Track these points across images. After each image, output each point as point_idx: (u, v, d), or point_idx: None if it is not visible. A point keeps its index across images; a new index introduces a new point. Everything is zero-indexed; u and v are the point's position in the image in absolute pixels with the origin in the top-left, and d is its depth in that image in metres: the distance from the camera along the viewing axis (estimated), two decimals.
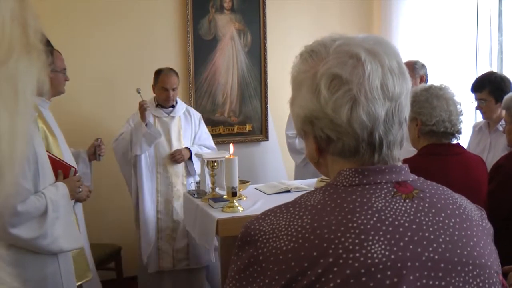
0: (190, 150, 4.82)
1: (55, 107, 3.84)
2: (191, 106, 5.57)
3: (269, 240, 1.09)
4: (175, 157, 4.73)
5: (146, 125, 4.53)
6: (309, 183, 4.42)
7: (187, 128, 4.94)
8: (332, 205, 1.09)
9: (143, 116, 4.53)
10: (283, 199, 4.04)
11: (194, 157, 4.79)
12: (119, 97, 5.31)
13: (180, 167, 4.82)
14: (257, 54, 5.87)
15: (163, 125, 4.81)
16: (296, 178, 5.52)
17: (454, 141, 2.78)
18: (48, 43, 3.01)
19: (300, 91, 1.16)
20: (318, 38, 1.19)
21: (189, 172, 4.89)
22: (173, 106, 4.88)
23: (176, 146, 4.81)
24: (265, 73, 5.90)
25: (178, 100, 4.94)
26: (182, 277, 4.90)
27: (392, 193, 1.11)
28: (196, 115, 5.04)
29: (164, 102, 4.79)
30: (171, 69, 4.80)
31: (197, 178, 4.76)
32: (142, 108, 4.50)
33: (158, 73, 4.76)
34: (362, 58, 1.10)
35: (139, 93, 4.48)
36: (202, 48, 5.65)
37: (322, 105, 1.11)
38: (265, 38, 5.86)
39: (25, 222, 2.52)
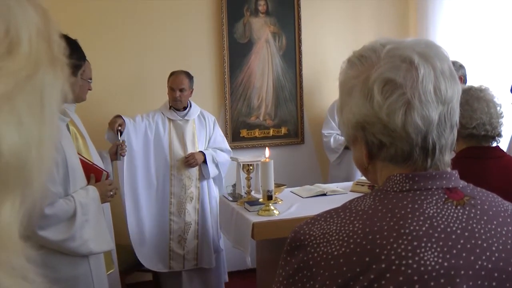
0: (204, 154, 4.84)
1: (85, 109, 3.91)
2: (226, 109, 5.64)
3: (320, 245, 1.09)
4: (188, 161, 4.77)
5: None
6: (344, 186, 4.40)
7: (202, 132, 4.97)
8: (383, 210, 1.09)
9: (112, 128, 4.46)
10: (319, 203, 4.02)
11: (208, 161, 4.82)
12: (153, 100, 5.33)
13: (194, 169, 4.85)
14: (292, 57, 5.87)
15: (177, 128, 4.86)
16: (330, 176, 5.57)
17: (494, 144, 2.71)
18: (83, 57, 3.08)
19: (351, 97, 1.15)
20: (366, 44, 1.18)
21: (203, 176, 4.91)
22: (186, 109, 4.91)
23: (190, 149, 4.84)
24: (300, 76, 5.89)
25: (193, 103, 4.96)
26: (197, 275, 4.98)
27: (443, 199, 1.10)
28: (211, 118, 5.07)
29: (172, 102, 4.81)
30: (184, 71, 4.84)
31: (212, 181, 4.97)
32: (113, 126, 4.44)
33: (171, 74, 4.84)
34: (415, 62, 1.09)
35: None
36: (237, 52, 5.67)
37: (376, 110, 1.10)
38: (300, 40, 5.85)
39: (53, 225, 2.58)
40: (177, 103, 4.79)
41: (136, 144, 4.73)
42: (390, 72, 1.09)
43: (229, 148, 5.10)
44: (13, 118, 0.53)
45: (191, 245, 4.86)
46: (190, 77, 4.84)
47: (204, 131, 4.98)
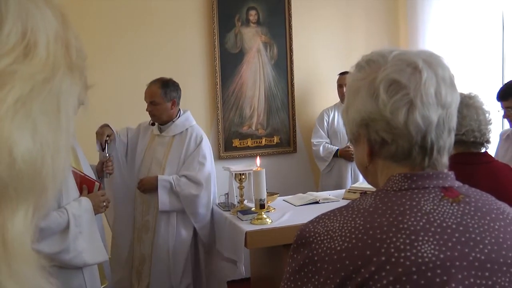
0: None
1: (76, 118, 3.89)
2: (218, 119, 5.63)
3: (324, 241, 1.16)
4: (138, 186, 4.15)
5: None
6: (337, 194, 4.43)
7: (177, 152, 4.19)
8: (383, 208, 1.17)
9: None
10: (312, 211, 4.06)
11: (160, 188, 4.02)
12: (142, 110, 5.26)
13: (151, 195, 4.12)
14: (283, 66, 5.91)
15: (153, 145, 4.26)
16: (321, 184, 5.60)
17: (483, 150, 2.76)
18: None
19: (357, 97, 1.23)
20: (375, 49, 1.28)
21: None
22: (162, 124, 4.26)
23: (155, 171, 4.15)
24: (292, 85, 5.92)
25: (183, 117, 4.29)
26: None
27: (440, 197, 1.18)
28: (197, 137, 4.21)
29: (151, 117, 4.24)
30: (159, 80, 4.21)
31: (182, 216, 4.17)
32: (101, 138, 3.91)
33: None
34: (420, 66, 1.18)
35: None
36: (228, 62, 5.70)
37: (380, 107, 1.18)
38: (291, 50, 5.89)
39: (47, 238, 2.58)
40: (152, 118, 4.21)
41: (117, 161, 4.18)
42: (396, 74, 1.18)
43: (202, 180, 4.10)
44: (28, 124, 0.52)
45: (145, 282, 4.18)
46: (166, 86, 4.15)
47: (181, 151, 4.19)
